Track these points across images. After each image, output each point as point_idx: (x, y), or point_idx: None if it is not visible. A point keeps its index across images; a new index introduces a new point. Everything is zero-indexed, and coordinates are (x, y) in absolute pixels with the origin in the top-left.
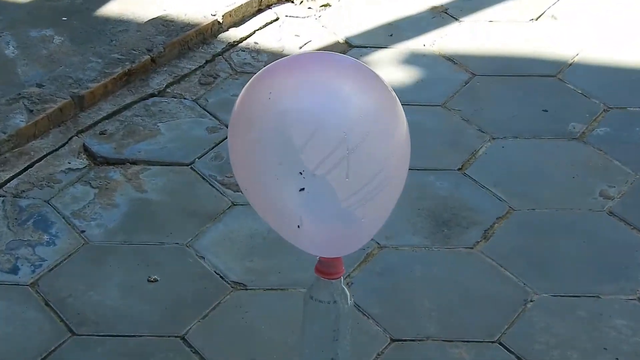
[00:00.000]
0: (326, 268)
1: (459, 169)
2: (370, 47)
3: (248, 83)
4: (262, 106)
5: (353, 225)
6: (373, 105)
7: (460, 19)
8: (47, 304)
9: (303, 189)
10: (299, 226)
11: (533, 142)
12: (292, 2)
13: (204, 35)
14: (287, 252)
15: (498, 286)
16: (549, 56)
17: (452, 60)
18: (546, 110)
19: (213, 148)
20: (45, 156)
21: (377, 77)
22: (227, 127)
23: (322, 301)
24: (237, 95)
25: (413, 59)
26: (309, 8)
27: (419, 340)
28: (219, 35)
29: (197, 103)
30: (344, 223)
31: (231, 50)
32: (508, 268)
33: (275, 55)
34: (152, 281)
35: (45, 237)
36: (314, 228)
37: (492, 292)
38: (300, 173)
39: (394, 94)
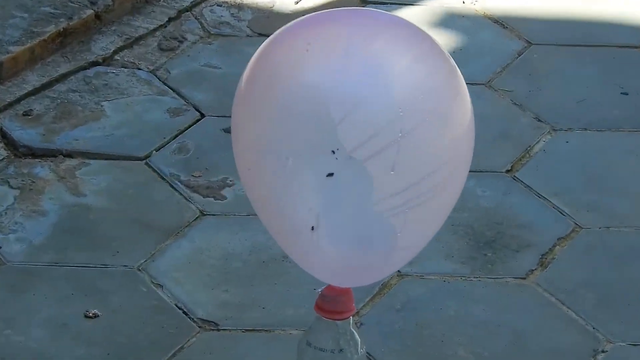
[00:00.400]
0: (331, 304)
1: (508, 171)
2: (391, 3)
3: (275, 34)
4: (295, 60)
5: (383, 240)
6: (435, 79)
7: None
8: None
9: (332, 174)
10: (312, 228)
11: (608, 136)
12: None
13: None
14: (275, 279)
15: (558, 331)
16: (632, 21)
17: (501, 23)
18: (626, 93)
19: (176, 137)
20: None
21: (435, 43)
22: (194, 109)
23: (324, 350)
24: (213, 66)
25: (448, 21)
26: None
27: None
28: None
29: (155, 75)
30: (373, 235)
31: (203, 5)
32: (572, 306)
33: (262, 12)
34: (91, 317)
35: None
36: (332, 235)
37: (550, 338)
38: (333, 152)
39: (455, 65)
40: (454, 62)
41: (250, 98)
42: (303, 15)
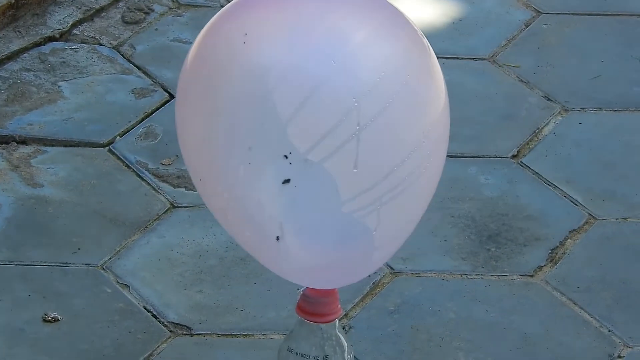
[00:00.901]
0: (314, 306)
1: (514, 157)
2: None
3: (210, 22)
4: (232, 56)
5: (360, 240)
6: (398, 60)
7: None
8: None
9: (288, 180)
10: (277, 238)
11: (626, 117)
12: None
13: None
14: (254, 279)
15: (570, 334)
16: None
17: None
18: None
19: (143, 121)
20: None
21: (402, 16)
22: (162, 89)
23: (307, 356)
24: (184, 41)
25: None
26: None
27: None
28: None
29: (118, 52)
30: (346, 237)
31: None
32: (586, 307)
33: None
34: (50, 321)
35: None
36: (301, 242)
37: (560, 342)
38: (286, 157)
39: (426, 42)
40: (421, 33)
41: (191, 99)
42: None
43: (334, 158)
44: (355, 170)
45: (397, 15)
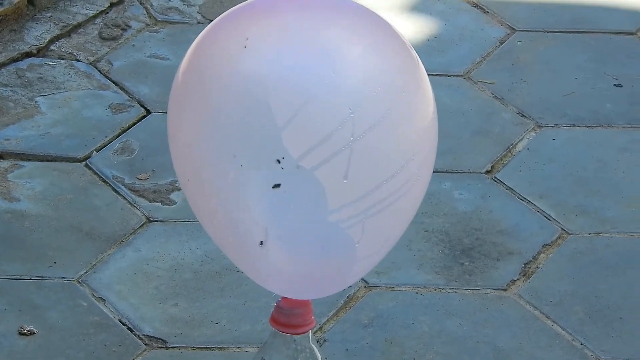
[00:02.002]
0: (287, 317)
1: (488, 172)
2: None
3: (210, 25)
4: (231, 57)
5: (342, 251)
6: (392, 73)
7: None
8: None
9: (279, 185)
10: (261, 243)
11: (599, 133)
12: None
13: None
14: (229, 292)
15: (543, 347)
16: (627, 4)
17: (481, 7)
18: (620, 85)
19: (119, 136)
20: None
21: (394, 31)
22: (139, 104)
23: None
24: (161, 57)
25: (420, 5)
26: None
27: None
28: None
29: (95, 67)
30: (329, 246)
31: None
32: (558, 320)
33: None
34: (25, 334)
35: None
36: (284, 249)
37: (533, 356)
38: (278, 161)
39: (415, 55)
40: (413, 50)
41: (185, 100)
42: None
43: (326, 166)
44: (345, 181)
45: (392, 30)
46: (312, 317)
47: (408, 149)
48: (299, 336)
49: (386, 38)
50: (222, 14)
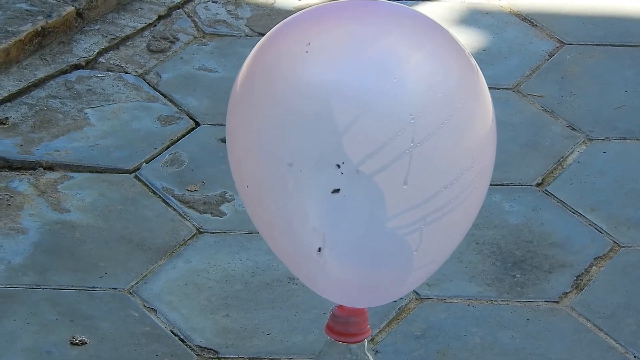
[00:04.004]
0: (343, 326)
1: (539, 185)
2: None
3: (271, 31)
4: (293, 62)
5: (400, 258)
6: (453, 80)
7: None
8: None
9: (338, 190)
10: (319, 249)
11: None
12: None
13: None
14: (280, 303)
15: (596, 359)
16: None
17: (530, 20)
18: None
19: (168, 147)
20: None
21: (454, 38)
22: (188, 116)
23: None
24: (209, 69)
25: (470, 18)
26: None
27: None
28: None
29: (144, 79)
30: (387, 253)
31: (196, 1)
32: (611, 332)
33: (262, 9)
34: (77, 344)
35: None
36: (342, 256)
37: None
38: (338, 166)
39: (475, 63)
40: (472, 58)
41: (245, 104)
42: None
43: (386, 172)
44: (404, 187)
45: (451, 38)
46: (368, 326)
47: (467, 156)
48: (354, 345)
49: (446, 45)
50: (283, 20)
